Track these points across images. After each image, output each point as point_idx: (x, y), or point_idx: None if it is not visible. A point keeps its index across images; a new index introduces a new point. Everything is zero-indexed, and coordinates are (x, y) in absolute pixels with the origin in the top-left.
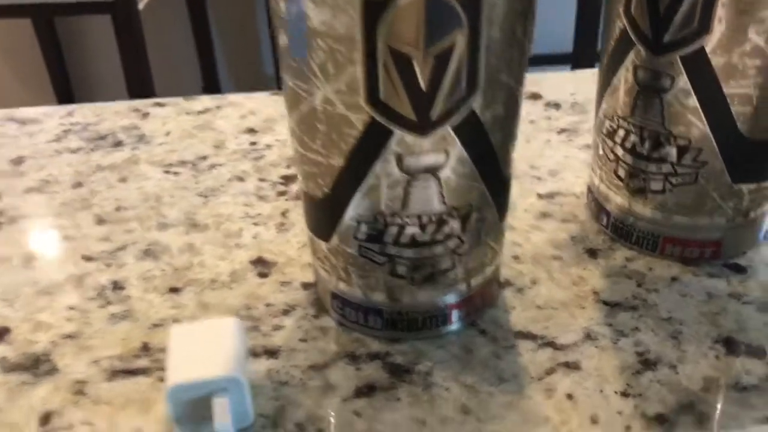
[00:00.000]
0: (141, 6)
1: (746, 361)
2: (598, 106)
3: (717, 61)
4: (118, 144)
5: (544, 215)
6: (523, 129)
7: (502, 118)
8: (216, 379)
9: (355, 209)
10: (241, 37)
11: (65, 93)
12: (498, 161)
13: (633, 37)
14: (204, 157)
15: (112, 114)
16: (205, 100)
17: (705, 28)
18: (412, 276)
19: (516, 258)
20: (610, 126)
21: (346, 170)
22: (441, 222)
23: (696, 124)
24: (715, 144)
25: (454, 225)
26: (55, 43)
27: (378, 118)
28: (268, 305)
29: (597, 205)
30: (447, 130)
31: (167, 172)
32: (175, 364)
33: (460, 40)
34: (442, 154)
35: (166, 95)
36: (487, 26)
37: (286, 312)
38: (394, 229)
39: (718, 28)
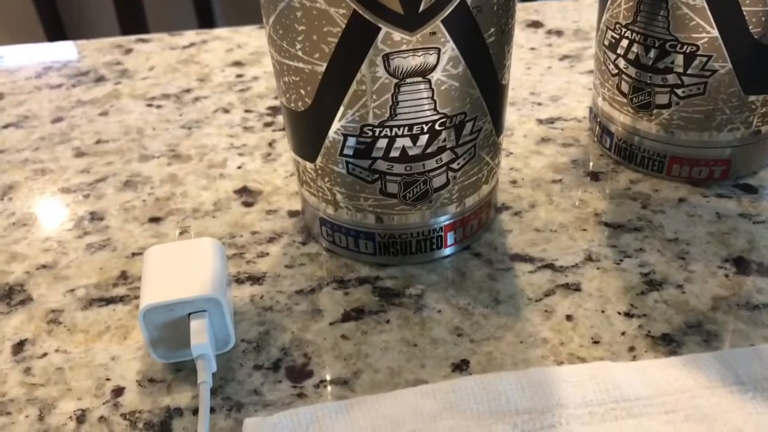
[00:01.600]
0: None
1: (758, 280)
2: (600, 16)
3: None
4: (100, 79)
5: (544, 140)
6: (522, 56)
7: (497, 15)
8: (193, 299)
9: (340, 121)
10: None
11: (56, 33)
12: (493, 64)
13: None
14: (188, 90)
15: (94, 50)
16: (191, 35)
17: None
18: (404, 194)
19: (514, 182)
20: (612, 37)
21: (328, 76)
22: (433, 132)
23: (704, 28)
24: (724, 49)
25: (448, 136)
26: None
27: (361, 11)
28: (253, 233)
29: (600, 127)
30: (437, 25)
31: (150, 105)
32: (149, 286)
33: None
34: (434, 53)
35: (159, 21)
36: None
37: (271, 240)
38: (383, 142)
39: None
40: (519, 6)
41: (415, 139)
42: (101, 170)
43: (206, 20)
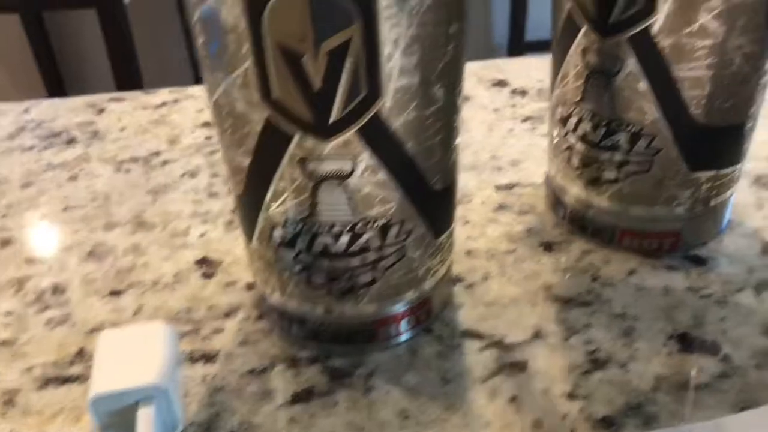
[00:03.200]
0: (127, 0)
1: (700, 359)
2: (551, 91)
3: (665, 42)
4: (72, 141)
5: (502, 207)
6: (485, 118)
7: (422, 126)
8: (140, 388)
9: (266, 212)
10: None
11: (56, 89)
12: (419, 171)
13: (580, 19)
14: (157, 153)
15: (68, 110)
16: (164, 93)
17: (650, 7)
18: (329, 288)
19: (469, 253)
20: (562, 112)
21: (253, 171)
22: (354, 234)
23: (647, 110)
24: (668, 130)
25: (371, 237)
26: (44, 38)
27: (274, 118)
28: (210, 307)
29: (554, 197)
30: (351, 135)
31: (118, 170)
32: (100, 373)
33: (355, 38)
34: (349, 160)
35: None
36: (389, 24)
37: (227, 314)
38: (305, 237)
39: (664, 8)
40: (484, 64)
41: (336, 237)
42: (67, 239)
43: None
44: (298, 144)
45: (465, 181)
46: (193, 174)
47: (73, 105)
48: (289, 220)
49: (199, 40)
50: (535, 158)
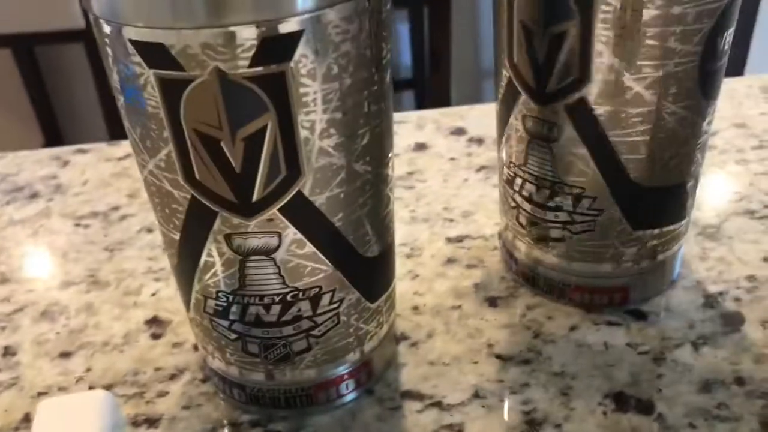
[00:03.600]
0: None
1: (633, 418)
2: (498, 151)
3: (600, 110)
4: (34, 196)
5: (450, 261)
6: (442, 167)
7: (347, 201)
8: None
9: (198, 283)
10: None
11: (49, 123)
12: (348, 242)
13: (518, 87)
14: (116, 208)
15: (33, 163)
16: (127, 145)
17: (585, 77)
18: (265, 355)
19: (416, 308)
20: (509, 173)
21: (182, 245)
22: (286, 303)
23: (588, 173)
24: (608, 192)
25: (303, 306)
26: (36, 73)
27: (198, 197)
28: (156, 369)
29: (505, 250)
30: (274, 213)
31: (78, 225)
32: None
33: (271, 125)
34: (274, 236)
35: None
36: (303, 111)
37: (173, 377)
38: (237, 308)
39: (598, 77)
40: (446, 111)
41: (267, 308)
42: (21, 299)
43: None
44: (223, 221)
45: (417, 234)
46: (149, 229)
47: (39, 157)
48: (221, 292)
49: (125, 123)
50: (487, 209)
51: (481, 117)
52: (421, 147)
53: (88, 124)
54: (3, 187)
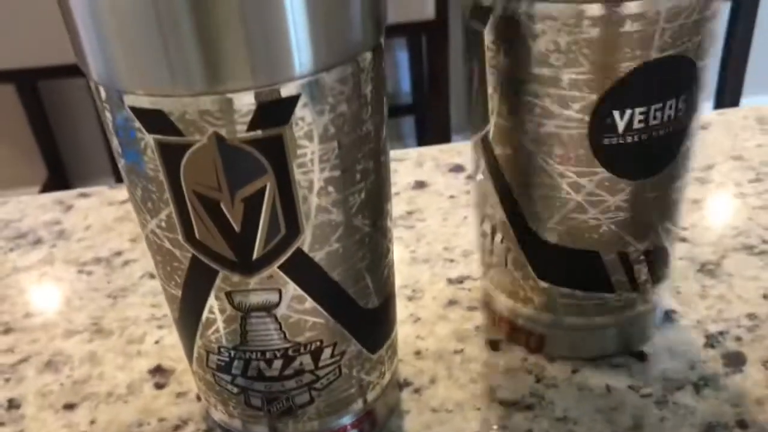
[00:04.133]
0: None
1: None
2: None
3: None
4: (38, 242)
5: (452, 303)
6: (441, 205)
7: (346, 255)
8: None
9: (201, 339)
10: None
11: (53, 158)
12: (349, 297)
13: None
14: (119, 253)
15: (37, 208)
16: None
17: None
18: (268, 409)
19: (418, 353)
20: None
21: (184, 302)
22: (287, 358)
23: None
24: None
25: (304, 360)
26: (40, 108)
27: (199, 256)
28: (160, 420)
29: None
30: (274, 270)
31: (81, 271)
32: None
33: (269, 186)
34: (275, 293)
35: None
36: (300, 171)
37: (177, 428)
38: (239, 363)
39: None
40: (442, 148)
41: (269, 363)
42: (25, 349)
43: None
44: (223, 279)
45: (418, 275)
46: (152, 275)
47: (42, 202)
48: (223, 347)
49: (126, 184)
50: None
51: None
52: (420, 185)
53: (91, 159)
54: (6, 234)
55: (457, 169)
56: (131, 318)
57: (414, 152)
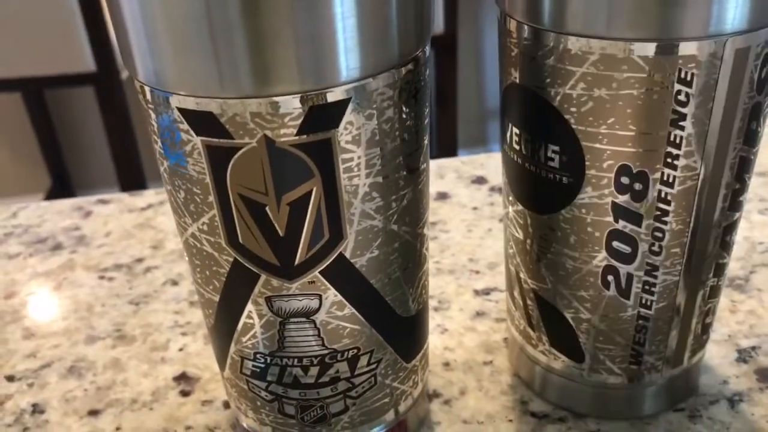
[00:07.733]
0: (124, 76)
1: None
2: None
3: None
4: (57, 247)
5: (479, 314)
6: (465, 217)
7: (386, 262)
8: None
9: (236, 345)
10: None
11: (57, 166)
12: (386, 303)
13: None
14: (140, 260)
15: (55, 213)
16: (150, 195)
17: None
18: (302, 416)
19: (447, 365)
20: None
21: (221, 306)
22: (324, 365)
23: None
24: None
25: (341, 368)
26: (45, 116)
27: (241, 260)
28: (187, 428)
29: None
30: (316, 275)
31: (102, 277)
32: None
33: (315, 190)
34: (315, 299)
35: (153, 164)
36: (347, 176)
37: None
38: (275, 369)
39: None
40: (464, 160)
41: (306, 369)
42: (47, 354)
43: None
44: (264, 283)
45: (444, 286)
46: (174, 282)
47: (61, 208)
48: (259, 353)
49: (167, 187)
50: None
51: (500, 166)
52: (443, 196)
53: (96, 168)
54: (26, 239)
55: (480, 180)
56: (154, 324)
57: (434, 164)
